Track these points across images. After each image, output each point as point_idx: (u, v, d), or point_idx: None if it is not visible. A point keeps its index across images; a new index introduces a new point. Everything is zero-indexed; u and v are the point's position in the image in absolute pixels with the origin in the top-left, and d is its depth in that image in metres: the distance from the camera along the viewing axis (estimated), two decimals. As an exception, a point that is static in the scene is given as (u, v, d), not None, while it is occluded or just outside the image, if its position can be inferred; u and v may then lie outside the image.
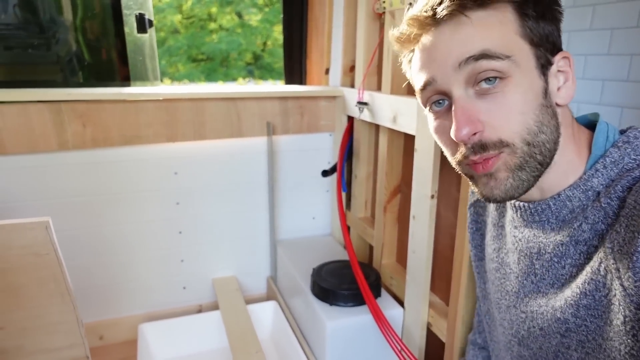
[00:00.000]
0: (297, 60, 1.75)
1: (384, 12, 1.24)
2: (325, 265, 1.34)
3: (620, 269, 0.41)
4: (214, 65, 5.10)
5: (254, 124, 1.46)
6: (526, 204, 0.53)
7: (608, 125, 0.50)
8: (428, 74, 0.49)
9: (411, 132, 1.10)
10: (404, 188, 1.34)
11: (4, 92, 1.19)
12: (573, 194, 0.48)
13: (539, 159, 0.47)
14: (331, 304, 1.21)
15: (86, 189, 1.34)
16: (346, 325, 1.16)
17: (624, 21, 0.86)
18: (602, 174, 0.47)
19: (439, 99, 0.50)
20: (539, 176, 0.48)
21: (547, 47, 0.47)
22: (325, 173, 1.50)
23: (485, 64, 0.45)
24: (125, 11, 1.55)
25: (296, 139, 1.56)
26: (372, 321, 1.16)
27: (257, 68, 5.26)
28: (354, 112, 1.39)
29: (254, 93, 1.43)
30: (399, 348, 1.10)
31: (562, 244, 0.49)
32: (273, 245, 1.60)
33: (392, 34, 0.53)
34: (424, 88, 0.50)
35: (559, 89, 0.49)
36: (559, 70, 0.49)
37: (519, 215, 0.55)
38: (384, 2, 1.21)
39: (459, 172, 0.53)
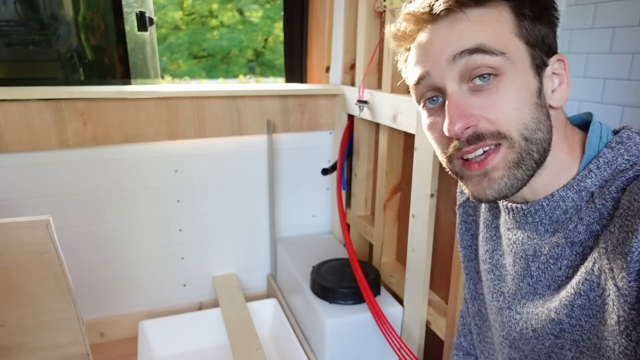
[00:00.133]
0: (297, 59, 1.75)
1: (384, 11, 1.24)
2: (325, 263, 1.35)
3: (614, 269, 0.41)
4: (215, 62, 5.09)
5: (254, 122, 1.46)
6: (519, 205, 0.52)
7: (601, 125, 0.50)
8: (422, 68, 0.48)
9: (411, 130, 1.10)
10: (403, 187, 1.34)
11: (5, 90, 1.20)
12: (566, 195, 0.48)
13: (536, 157, 0.47)
14: (331, 301, 1.21)
15: (87, 187, 1.34)
16: (345, 323, 1.17)
17: (626, 20, 0.86)
18: (596, 175, 0.47)
19: (432, 96, 0.50)
20: (532, 175, 0.48)
21: (542, 49, 0.47)
22: (325, 171, 1.50)
23: (479, 58, 0.45)
24: (125, 9, 1.55)
25: (296, 137, 1.56)
26: (372, 319, 1.17)
27: (258, 65, 5.26)
28: (354, 110, 1.39)
29: (255, 91, 1.43)
30: (398, 346, 1.11)
31: (557, 246, 0.49)
32: (273, 243, 1.61)
33: (388, 30, 0.53)
34: (418, 83, 0.50)
35: (553, 91, 0.49)
36: (553, 73, 0.49)
37: (511, 217, 0.54)
38: (384, 0, 1.20)
39: (448, 171, 0.52)
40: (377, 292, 1.25)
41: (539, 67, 0.47)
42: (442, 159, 0.52)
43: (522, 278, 0.54)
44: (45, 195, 1.30)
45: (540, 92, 0.47)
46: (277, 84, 1.78)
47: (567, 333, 0.48)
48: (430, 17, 0.47)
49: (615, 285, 0.41)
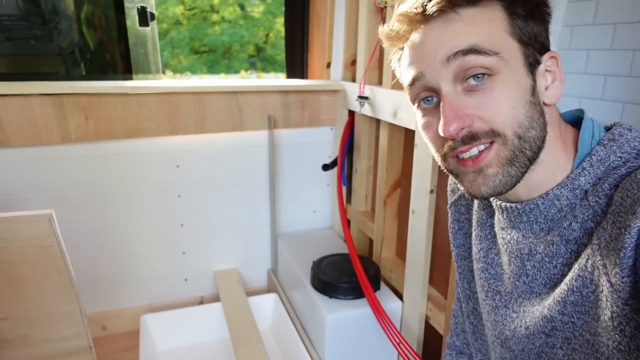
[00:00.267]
0: (298, 54, 1.75)
1: (385, 7, 1.24)
2: (325, 259, 1.35)
3: (607, 265, 0.42)
4: (216, 57, 5.08)
5: (255, 118, 1.46)
6: (513, 205, 0.52)
7: (593, 122, 0.51)
8: (417, 69, 0.49)
9: (411, 127, 1.11)
10: (404, 182, 1.34)
11: (7, 85, 1.20)
12: (561, 193, 0.48)
13: (529, 155, 0.47)
14: (331, 296, 1.22)
15: (89, 182, 1.35)
16: (345, 317, 1.18)
17: (627, 16, 0.85)
18: (589, 172, 0.47)
19: (427, 96, 0.50)
20: (525, 172, 0.48)
21: (535, 47, 0.48)
22: (325, 167, 1.51)
23: (473, 59, 0.45)
24: (127, 4, 1.55)
25: (297, 133, 1.56)
26: (371, 314, 1.18)
27: (259, 60, 5.24)
28: (355, 106, 1.39)
29: (256, 87, 1.43)
30: (398, 341, 1.11)
31: (552, 244, 0.50)
32: (274, 238, 1.61)
33: (381, 30, 0.53)
34: (413, 84, 0.50)
35: (546, 88, 0.49)
36: (546, 70, 0.49)
37: (505, 217, 0.54)
38: (385, -4, 1.20)
39: (443, 169, 0.52)
40: (376, 287, 1.25)
41: (532, 65, 0.48)
42: (437, 158, 0.52)
43: (517, 277, 0.54)
44: (47, 189, 1.31)
45: (533, 90, 0.47)
46: (278, 80, 1.78)
47: (558, 331, 0.49)
48: (423, 18, 0.47)
49: (609, 281, 0.41)
